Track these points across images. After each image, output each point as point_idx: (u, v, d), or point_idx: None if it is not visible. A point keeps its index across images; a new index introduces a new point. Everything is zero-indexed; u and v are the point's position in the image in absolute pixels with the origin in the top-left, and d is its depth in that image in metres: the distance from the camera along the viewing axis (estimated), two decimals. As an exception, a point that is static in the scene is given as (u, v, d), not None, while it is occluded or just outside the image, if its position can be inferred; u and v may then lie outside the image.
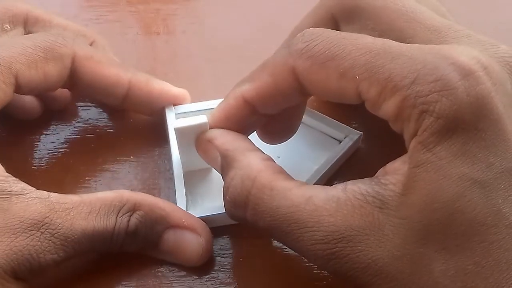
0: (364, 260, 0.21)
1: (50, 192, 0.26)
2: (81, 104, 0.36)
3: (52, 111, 0.35)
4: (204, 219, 0.29)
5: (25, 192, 0.25)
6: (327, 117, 0.33)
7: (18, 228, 0.24)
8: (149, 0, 0.44)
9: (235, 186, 0.24)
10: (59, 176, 0.32)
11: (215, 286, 0.27)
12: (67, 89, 0.33)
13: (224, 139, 0.26)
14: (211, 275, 0.28)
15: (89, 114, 0.35)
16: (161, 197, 0.31)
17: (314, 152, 0.33)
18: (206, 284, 0.27)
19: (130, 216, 0.26)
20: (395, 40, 0.23)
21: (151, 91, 0.32)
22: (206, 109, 0.33)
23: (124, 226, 0.26)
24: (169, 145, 0.32)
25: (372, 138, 0.33)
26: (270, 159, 0.25)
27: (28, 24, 0.34)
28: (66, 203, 0.25)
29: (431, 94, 0.20)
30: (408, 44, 0.22)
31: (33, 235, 0.24)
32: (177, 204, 0.29)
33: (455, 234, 0.20)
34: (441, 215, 0.20)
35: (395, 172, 0.22)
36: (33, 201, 0.25)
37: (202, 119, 0.27)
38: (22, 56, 0.28)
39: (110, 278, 0.27)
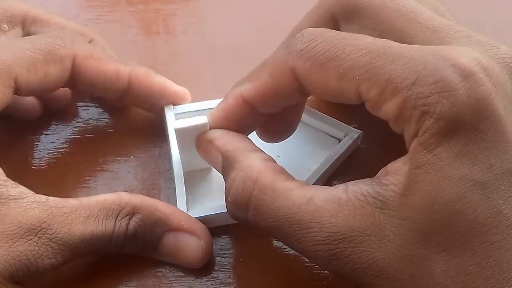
0: (365, 261, 0.21)
1: (49, 195, 0.26)
2: (81, 104, 0.36)
3: (52, 111, 0.35)
4: (205, 219, 0.29)
5: (23, 196, 0.25)
6: (326, 116, 0.33)
7: (16, 233, 0.24)
8: (149, 0, 0.44)
9: (236, 187, 0.24)
10: (59, 176, 0.32)
11: (215, 286, 0.27)
12: (67, 89, 0.33)
13: (225, 139, 0.26)
14: (211, 275, 0.28)
15: (89, 114, 0.35)
16: (161, 197, 0.31)
17: (313, 151, 0.33)
18: (206, 284, 0.27)
19: (129, 219, 0.26)
20: (395, 40, 0.23)
21: (151, 85, 0.32)
22: (206, 109, 0.33)
23: (123, 230, 0.26)
24: (169, 145, 0.32)
25: (372, 137, 0.33)
26: (271, 159, 0.25)
27: (26, 24, 0.34)
28: (64, 207, 0.25)
29: (431, 95, 0.20)
30: (408, 45, 0.22)
31: (30, 240, 0.24)
32: (177, 204, 0.29)
33: (455, 235, 0.20)
34: (441, 216, 0.20)
35: (396, 172, 0.22)
36: (31, 206, 0.25)
37: (202, 119, 0.27)
38: (21, 59, 0.28)
39: (110, 278, 0.27)
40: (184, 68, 0.38)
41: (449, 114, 0.20)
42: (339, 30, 0.28)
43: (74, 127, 0.35)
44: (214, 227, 0.29)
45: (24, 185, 0.26)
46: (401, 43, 0.23)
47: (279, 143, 0.30)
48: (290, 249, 0.28)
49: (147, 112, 0.34)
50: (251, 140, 0.27)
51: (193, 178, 0.31)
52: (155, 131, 0.34)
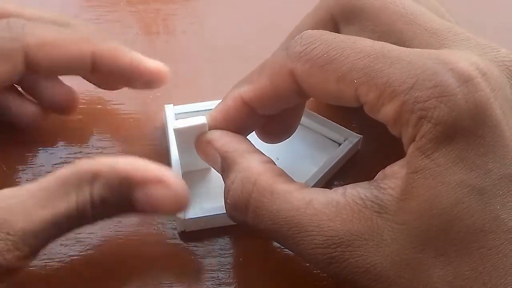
0: (363, 265, 0.21)
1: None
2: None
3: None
4: (204, 219, 0.29)
5: None
6: (326, 119, 0.33)
7: None
8: (149, 0, 0.44)
9: (235, 189, 0.24)
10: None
11: (215, 286, 0.27)
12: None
13: (224, 140, 0.26)
14: (211, 275, 0.28)
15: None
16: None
17: (313, 154, 0.33)
18: (206, 284, 0.28)
19: (91, 187, 0.24)
20: (395, 43, 0.23)
21: (118, 64, 0.29)
22: (206, 110, 0.33)
23: (86, 200, 0.24)
24: (168, 145, 0.32)
25: (372, 140, 0.33)
26: (270, 161, 0.25)
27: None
28: (19, 195, 0.24)
29: (429, 100, 0.20)
30: (407, 48, 0.22)
31: None
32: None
33: (453, 240, 0.20)
34: (439, 221, 0.20)
35: (393, 176, 0.22)
36: None
37: (202, 120, 0.27)
38: None
39: (110, 278, 0.28)
40: (184, 68, 0.38)
41: (447, 119, 0.20)
42: (339, 32, 0.28)
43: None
44: (214, 227, 0.29)
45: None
46: (401, 45, 0.23)
47: (278, 146, 0.30)
48: (290, 250, 0.28)
49: (146, 117, 0.33)
50: (250, 142, 0.27)
51: (192, 179, 0.31)
52: (155, 131, 0.34)
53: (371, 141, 0.33)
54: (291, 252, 0.28)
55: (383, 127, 0.23)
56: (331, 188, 0.23)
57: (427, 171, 0.20)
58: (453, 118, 0.20)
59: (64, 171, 0.25)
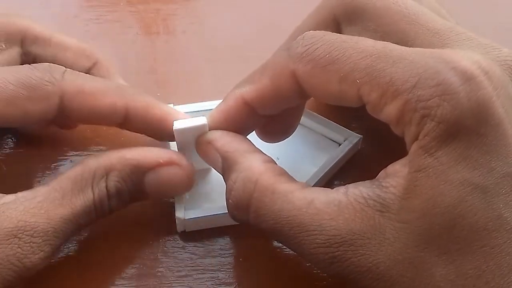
0: (365, 264, 0.21)
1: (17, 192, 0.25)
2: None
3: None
4: (204, 219, 0.29)
5: None
6: (326, 119, 0.33)
7: None
8: (149, 0, 0.44)
9: (237, 189, 0.24)
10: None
11: (215, 286, 0.27)
12: None
13: (224, 140, 0.26)
14: (211, 275, 0.28)
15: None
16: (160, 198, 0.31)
17: (313, 154, 0.33)
18: (206, 284, 0.27)
19: (106, 181, 0.26)
20: (397, 43, 0.23)
21: (151, 118, 0.29)
22: (206, 110, 0.33)
23: (104, 193, 0.26)
24: (168, 145, 0.32)
25: (372, 140, 0.33)
26: (271, 160, 0.25)
27: (26, 43, 0.32)
28: (35, 197, 0.25)
29: (432, 98, 0.20)
30: (409, 48, 0.22)
31: (10, 243, 0.23)
32: (175, 205, 0.29)
33: (456, 239, 0.20)
34: (442, 220, 0.20)
35: (395, 174, 0.22)
36: (0, 211, 0.24)
37: (202, 120, 0.27)
38: (1, 92, 0.26)
39: (110, 278, 0.27)
40: (184, 68, 0.38)
41: (450, 118, 0.20)
42: (341, 32, 0.28)
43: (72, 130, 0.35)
44: (214, 227, 0.29)
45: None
46: (403, 45, 0.23)
47: (278, 146, 0.30)
48: (291, 250, 0.28)
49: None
50: (251, 141, 0.27)
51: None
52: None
53: (371, 141, 0.33)
54: (291, 252, 0.28)
55: (383, 127, 0.23)
56: (332, 188, 0.23)
57: (430, 170, 0.20)
58: (456, 117, 0.20)
59: (75, 171, 0.26)
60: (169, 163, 0.27)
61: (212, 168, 0.30)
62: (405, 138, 0.22)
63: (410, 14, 0.26)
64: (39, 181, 0.31)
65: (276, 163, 0.25)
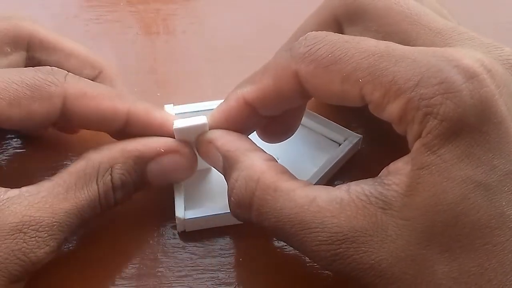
0: (368, 261, 0.21)
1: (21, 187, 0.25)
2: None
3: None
4: (204, 219, 0.29)
5: None
6: (327, 119, 0.33)
7: None
8: (149, 0, 0.44)
9: (239, 188, 0.24)
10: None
11: (215, 286, 0.27)
12: None
13: (225, 139, 0.26)
14: (211, 275, 0.28)
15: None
16: (160, 198, 0.31)
17: (313, 155, 0.33)
18: (206, 284, 0.27)
19: (111, 174, 0.26)
20: (399, 43, 0.23)
21: (151, 122, 0.29)
22: (206, 110, 0.33)
23: (108, 186, 0.26)
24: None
25: (372, 140, 0.33)
26: (272, 159, 0.25)
27: (31, 48, 0.32)
28: (39, 192, 0.25)
29: (435, 96, 0.20)
30: (412, 47, 0.22)
31: (15, 238, 0.23)
32: (175, 205, 0.29)
33: (458, 236, 0.20)
34: (444, 217, 0.20)
35: (398, 172, 0.22)
36: (4, 205, 0.24)
37: (202, 119, 0.27)
38: (5, 92, 0.26)
39: (110, 278, 0.27)
40: (184, 68, 0.38)
41: (452, 115, 0.20)
42: (343, 32, 0.28)
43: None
44: (214, 227, 0.29)
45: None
46: (405, 45, 0.23)
47: (278, 146, 0.30)
48: (290, 249, 0.28)
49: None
50: (252, 140, 0.27)
51: (192, 179, 0.31)
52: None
53: (371, 141, 0.33)
54: (291, 253, 0.28)
55: (383, 127, 0.23)
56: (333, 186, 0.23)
57: (433, 167, 0.20)
58: (459, 115, 0.20)
59: (78, 165, 0.26)
60: (170, 151, 0.27)
61: (212, 168, 0.30)
62: (407, 137, 0.22)
63: (412, 14, 0.26)
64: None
65: (277, 161, 0.25)
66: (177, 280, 0.28)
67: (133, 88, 0.36)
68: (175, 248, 0.29)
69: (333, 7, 0.29)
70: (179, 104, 0.33)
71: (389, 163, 0.23)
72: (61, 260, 0.28)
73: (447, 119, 0.20)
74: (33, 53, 0.32)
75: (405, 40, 0.25)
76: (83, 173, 0.26)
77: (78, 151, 0.33)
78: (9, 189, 0.25)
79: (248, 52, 0.40)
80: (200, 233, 0.29)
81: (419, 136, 0.21)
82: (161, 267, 0.28)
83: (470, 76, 0.21)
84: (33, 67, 0.28)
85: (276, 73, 0.25)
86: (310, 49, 0.23)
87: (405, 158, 0.22)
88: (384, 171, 0.23)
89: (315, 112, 0.34)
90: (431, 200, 0.20)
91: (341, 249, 0.21)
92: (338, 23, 0.29)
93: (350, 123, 0.34)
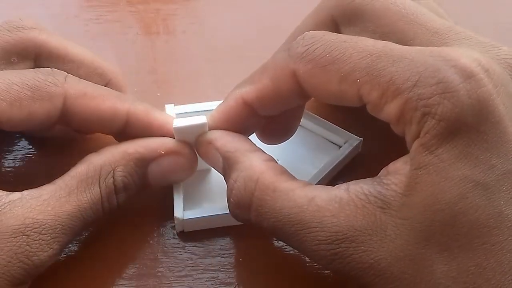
0: (367, 261, 0.21)
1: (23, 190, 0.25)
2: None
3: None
4: (204, 219, 0.29)
5: None
6: (327, 121, 0.33)
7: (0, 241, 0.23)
8: (149, 0, 0.44)
9: (238, 188, 0.24)
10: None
11: (215, 286, 0.27)
12: None
13: (225, 140, 0.26)
14: (211, 275, 0.28)
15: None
16: (160, 198, 0.31)
17: (313, 157, 0.33)
18: (206, 284, 0.27)
19: (113, 176, 0.26)
20: (396, 43, 0.23)
21: (151, 123, 0.29)
22: (206, 110, 0.33)
23: (111, 189, 0.26)
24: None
25: (372, 143, 0.33)
26: (272, 159, 0.25)
27: (40, 58, 0.31)
28: (41, 195, 0.25)
29: (433, 96, 0.20)
30: (409, 47, 0.22)
31: (18, 241, 0.23)
32: (174, 205, 0.29)
33: (457, 236, 0.20)
34: (443, 217, 0.20)
35: (397, 172, 0.22)
36: (6, 209, 0.24)
37: (202, 119, 0.27)
38: (5, 93, 0.26)
39: (110, 278, 0.27)
40: (184, 68, 0.38)
41: (450, 115, 0.20)
42: (340, 33, 0.28)
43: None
44: (214, 227, 0.29)
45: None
46: (402, 45, 0.23)
47: (278, 148, 0.30)
48: (290, 249, 0.28)
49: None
50: (251, 141, 0.27)
51: (191, 179, 0.31)
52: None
53: (372, 144, 0.33)
54: (291, 253, 0.28)
55: (383, 129, 0.23)
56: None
57: (431, 167, 0.21)
58: (457, 114, 0.20)
59: (80, 169, 0.26)
60: (171, 153, 0.27)
61: (212, 169, 0.30)
62: (405, 137, 0.22)
63: (409, 14, 0.26)
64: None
65: (276, 162, 0.26)
66: (177, 280, 0.28)
67: (133, 88, 0.36)
68: (175, 248, 0.29)
69: (330, 8, 0.29)
70: (179, 104, 0.34)
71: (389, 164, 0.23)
72: (62, 262, 0.28)
73: (445, 119, 0.20)
74: (41, 63, 0.31)
75: (402, 40, 0.25)
76: (85, 176, 0.26)
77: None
78: (11, 192, 0.25)
79: (248, 52, 0.40)
80: (200, 233, 0.29)
81: (417, 136, 0.21)
82: (161, 267, 0.28)
83: (468, 76, 0.21)
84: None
85: (274, 73, 0.25)
86: (307, 48, 0.23)
87: (404, 158, 0.22)
88: (383, 171, 0.23)
89: (315, 114, 0.34)
90: (429, 200, 0.20)
91: (340, 249, 0.21)
92: (335, 24, 0.29)
93: (350, 125, 0.34)
